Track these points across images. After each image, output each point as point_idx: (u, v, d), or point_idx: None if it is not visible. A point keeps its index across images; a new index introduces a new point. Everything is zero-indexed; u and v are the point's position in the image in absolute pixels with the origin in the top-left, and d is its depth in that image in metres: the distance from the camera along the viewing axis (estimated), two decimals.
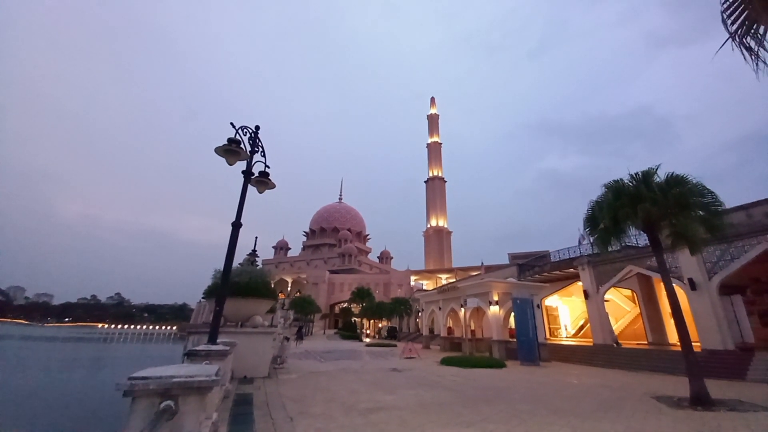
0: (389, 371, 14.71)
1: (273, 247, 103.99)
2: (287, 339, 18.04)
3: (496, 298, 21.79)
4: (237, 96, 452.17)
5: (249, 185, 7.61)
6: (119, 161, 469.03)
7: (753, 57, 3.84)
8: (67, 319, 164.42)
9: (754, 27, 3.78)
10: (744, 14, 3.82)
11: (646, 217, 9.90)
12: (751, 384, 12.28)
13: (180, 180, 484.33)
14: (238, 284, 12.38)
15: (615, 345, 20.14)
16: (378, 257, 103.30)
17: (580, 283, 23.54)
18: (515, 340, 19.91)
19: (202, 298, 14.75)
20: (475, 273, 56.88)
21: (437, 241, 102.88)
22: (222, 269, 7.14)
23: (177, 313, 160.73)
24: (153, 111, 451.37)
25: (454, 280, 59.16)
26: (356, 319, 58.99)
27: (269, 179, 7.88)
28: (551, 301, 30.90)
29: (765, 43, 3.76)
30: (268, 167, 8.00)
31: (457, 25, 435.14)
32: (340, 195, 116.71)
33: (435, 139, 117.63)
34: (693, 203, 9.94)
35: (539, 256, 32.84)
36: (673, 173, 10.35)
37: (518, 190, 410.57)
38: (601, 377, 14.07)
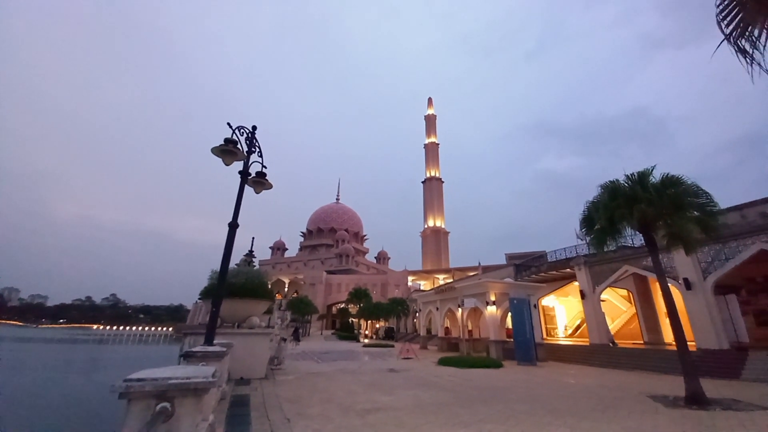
0: (386, 372, 14.71)
1: (270, 247, 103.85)
2: (284, 340, 17.99)
3: (493, 298, 21.84)
4: (235, 96, 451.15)
5: (246, 186, 7.59)
6: (116, 161, 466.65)
7: (748, 59, 3.87)
8: (61, 321, 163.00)
9: (749, 29, 3.81)
10: (738, 17, 3.85)
11: (641, 217, 9.97)
12: (746, 383, 12.36)
13: (177, 180, 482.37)
14: (234, 285, 12.32)
15: (611, 345, 20.25)
16: (375, 258, 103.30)
17: (576, 283, 23.65)
18: (512, 340, 19.96)
19: (199, 299, 14.71)
20: (472, 273, 56.97)
21: (435, 241, 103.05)
22: (219, 270, 7.11)
23: (173, 314, 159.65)
24: (150, 110, 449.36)
25: (451, 280, 59.27)
26: (354, 319, 58.91)
27: (266, 180, 7.86)
28: (548, 301, 31.03)
29: (759, 45, 3.79)
30: (265, 167, 7.98)
31: (454, 26, 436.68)
32: (338, 195, 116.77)
33: (432, 139, 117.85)
34: (688, 204, 10.03)
35: (536, 257, 32.91)
36: (668, 174, 10.44)
37: (515, 191, 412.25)
38: (598, 377, 14.13)
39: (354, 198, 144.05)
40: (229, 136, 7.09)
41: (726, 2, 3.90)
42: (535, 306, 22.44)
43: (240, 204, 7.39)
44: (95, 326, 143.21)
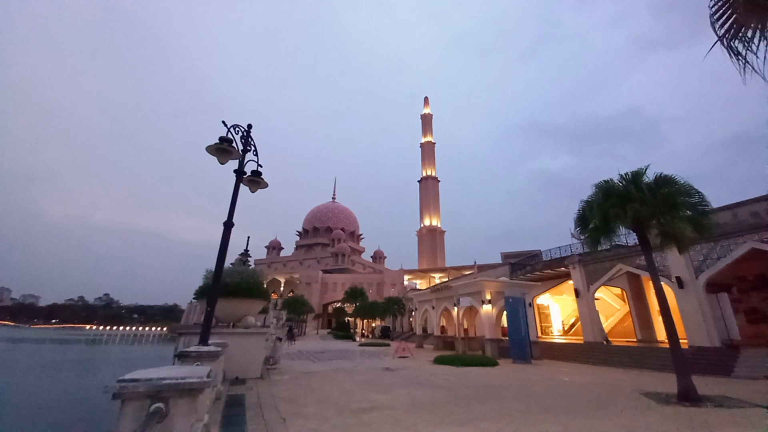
0: (382, 371, 14.72)
1: (266, 246, 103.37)
2: (280, 339, 17.94)
3: (488, 297, 21.93)
4: (229, 94, 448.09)
5: (241, 184, 7.55)
6: (109, 159, 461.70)
7: (740, 60, 3.91)
8: (54, 321, 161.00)
9: (742, 30, 3.85)
10: (732, 18, 3.88)
11: (635, 216, 10.05)
12: (737, 380, 12.53)
13: (171, 179, 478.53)
14: (229, 284, 12.25)
15: (605, 342, 20.42)
16: (371, 257, 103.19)
17: (571, 282, 23.82)
18: (508, 338, 20.07)
19: (194, 298, 14.58)
20: (468, 272, 57.19)
21: (430, 240, 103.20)
22: (213, 269, 7.07)
23: (167, 314, 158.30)
24: (144, 108, 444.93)
25: (447, 279, 59.43)
26: (349, 318, 58.89)
27: (262, 178, 7.82)
28: (543, 299, 31.23)
29: (752, 46, 3.83)
30: (261, 166, 7.94)
31: (450, 26, 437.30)
32: (334, 194, 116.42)
33: (429, 138, 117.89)
34: (681, 203, 10.13)
35: (531, 255, 33.17)
36: (661, 174, 10.53)
37: (510, 190, 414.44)
38: (592, 374, 14.25)
39: (350, 197, 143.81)
40: (224, 135, 7.05)
41: (719, 4, 3.94)
42: (530, 304, 22.56)
43: (235, 203, 7.35)
44: (88, 326, 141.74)
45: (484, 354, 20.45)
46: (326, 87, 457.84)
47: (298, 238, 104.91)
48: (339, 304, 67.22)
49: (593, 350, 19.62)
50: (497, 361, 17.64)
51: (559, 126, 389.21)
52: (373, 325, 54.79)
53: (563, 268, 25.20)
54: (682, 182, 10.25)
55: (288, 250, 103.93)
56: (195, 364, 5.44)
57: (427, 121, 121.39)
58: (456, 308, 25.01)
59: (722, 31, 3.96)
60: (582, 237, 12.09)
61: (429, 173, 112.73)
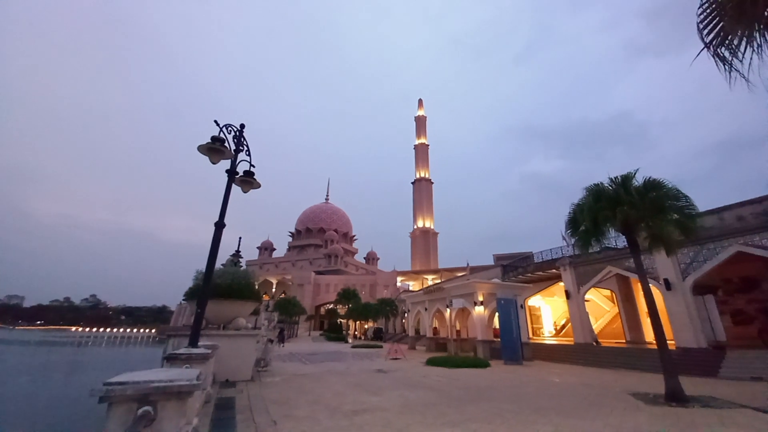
0: (374, 372, 14.68)
1: (257, 247, 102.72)
2: (271, 341, 17.79)
3: (480, 298, 22.05)
4: (223, 94, 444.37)
5: (233, 185, 7.48)
6: (98, 157, 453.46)
7: (726, 67, 4.00)
8: (39, 322, 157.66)
9: (729, 38, 3.94)
10: (719, 26, 3.97)
11: (624, 219, 10.22)
12: (723, 381, 12.79)
13: (161, 178, 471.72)
14: (220, 286, 12.13)
15: (595, 344, 20.69)
16: (364, 258, 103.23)
17: (561, 284, 24.09)
18: (499, 339, 20.19)
19: (183, 299, 14.39)
20: (460, 274, 57.45)
21: (424, 242, 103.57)
22: (204, 270, 6.98)
23: (156, 316, 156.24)
24: (135, 106, 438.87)
25: (440, 280, 59.63)
26: (342, 320, 58.71)
27: (254, 179, 7.75)
28: (534, 301, 31.55)
29: (739, 53, 3.92)
30: (253, 166, 7.87)
31: (444, 28, 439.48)
32: (327, 195, 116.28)
33: (422, 140, 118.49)
34: (669, 207, 10.34)
35: (523, 257, 33.41)
36: (650, 178, 10.74)
37: (503, 192, 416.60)
38: (582, 375, 14.41)
39: (343, 198, 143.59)
40: (217, 134, 6.98)
41: (707, 12, 4.02)
42: (521, 306, 22.75)
43: (227, 203, 7.27)
44: (74, 328, 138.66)
45: (476, 355, 20.54)
46: (321, 88, 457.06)
47: (290, 239, 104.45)
48: (331, 306, 67.06)
49: (583, 351, 19.85)
50: (489, 362, 17.72)
51: (551, 129, 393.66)
52: (366, 326, 54.67)
53: (554, 270, 25.47)
54: (669, 186, 10.46)
55: (280, 251, 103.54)
56: (184, 366, 5.38)
57: (420, 123, 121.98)
58: (448, 310, 25.09)
59: (709, 38, 4.05)
60: (573, 239, 12.25)
61: (422, 175, 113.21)
